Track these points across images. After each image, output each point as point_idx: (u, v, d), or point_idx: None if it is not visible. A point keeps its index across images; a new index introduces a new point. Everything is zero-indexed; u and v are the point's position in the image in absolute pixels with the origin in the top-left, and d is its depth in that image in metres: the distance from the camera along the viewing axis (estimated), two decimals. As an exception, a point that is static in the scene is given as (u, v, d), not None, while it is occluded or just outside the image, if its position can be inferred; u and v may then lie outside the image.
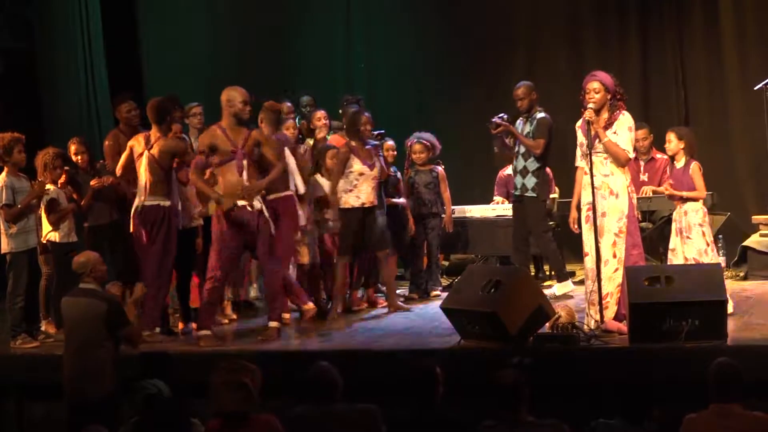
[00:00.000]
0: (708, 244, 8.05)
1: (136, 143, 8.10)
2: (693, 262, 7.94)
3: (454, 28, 12.23)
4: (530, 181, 9.10)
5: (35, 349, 7.83)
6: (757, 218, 10.26)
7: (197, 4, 12.98)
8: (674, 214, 8.25)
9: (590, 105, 7.34)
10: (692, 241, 8.04)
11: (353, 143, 8.76)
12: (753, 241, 9.93)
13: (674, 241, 8.17)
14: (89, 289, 6.69)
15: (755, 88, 9.77)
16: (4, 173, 7.95)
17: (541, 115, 9.11)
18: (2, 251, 7.96)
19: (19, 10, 11.95)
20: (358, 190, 8.70)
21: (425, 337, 7.68)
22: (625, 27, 11.75)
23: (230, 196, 7.64)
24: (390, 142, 9.49)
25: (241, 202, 7.66)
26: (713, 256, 8.07)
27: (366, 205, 8.72)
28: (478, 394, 5.42)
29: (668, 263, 8.20)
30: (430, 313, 8.68)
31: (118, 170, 8.16)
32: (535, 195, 9.11)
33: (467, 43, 12.14)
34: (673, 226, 8.22)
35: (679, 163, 8.22)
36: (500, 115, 9.12)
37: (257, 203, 7.77)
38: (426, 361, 5.56)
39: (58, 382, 6.80)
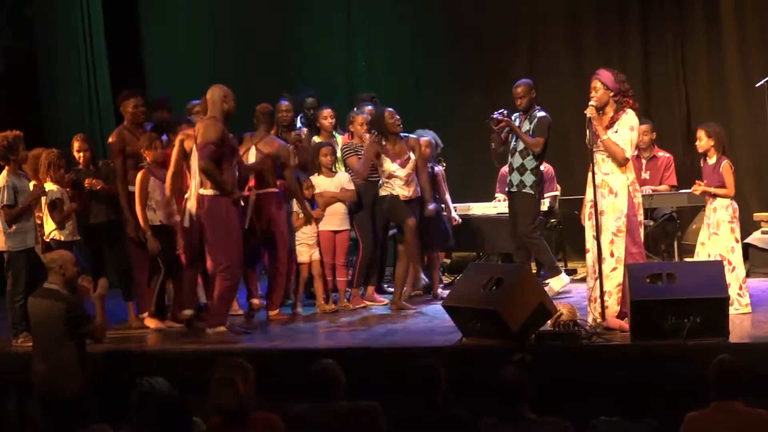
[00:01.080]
0: (737, 241, 8.00)
1: (187, 138, 8.10)
2: (719, 258, 7.90)
3: (455, 26, 12.23)
4: (528, 178, 9.03)
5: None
6: (758, 215, 10.25)
7: (198, 3, 12.98)
8: (706, 209, 8.19)
9: (591, 103, 7.36)
10: (719, 237, 7.98)
11: (383, 142, 8.94)
12: (754, 238, 9.92)
13: (704, 235, 8.11)
14: (51, 290, 6.70)
15: (756, 86, 9.76)
16: (5, 172, 7.94)
17: (541, 113, 9.07)
18: (0, 249, 7.97)
19: (20, 9, 11.94)
20: (392, 188, 8.92)
21: (426, 335, 7.67)
22: (627, 25, 11.74)
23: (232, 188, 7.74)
24: (424, 139, 9.47)
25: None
26: (740, 255, 8.00)
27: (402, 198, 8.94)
28: (479, 392, 5.42)
29: (695, 257, 8.16)
30: (431, 310, 8.68)
31: (172, 167, 8.16)
32: (532, 192, 9.05)
33: (468, 42, 12.13)
34: (705, 220, 8.16)
35: (711, 160, 8.11)
36: (500, 110, 9.09)
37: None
38: (428, 359, 5.55)
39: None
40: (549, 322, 7.08)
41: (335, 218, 9.07)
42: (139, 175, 8.22)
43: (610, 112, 7.35)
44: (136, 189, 8.18)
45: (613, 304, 7.21)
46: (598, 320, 7.20)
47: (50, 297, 6.68)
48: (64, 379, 6.59)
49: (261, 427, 5.11)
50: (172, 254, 8.29)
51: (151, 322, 8.35)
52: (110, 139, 8.54)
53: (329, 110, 9.66)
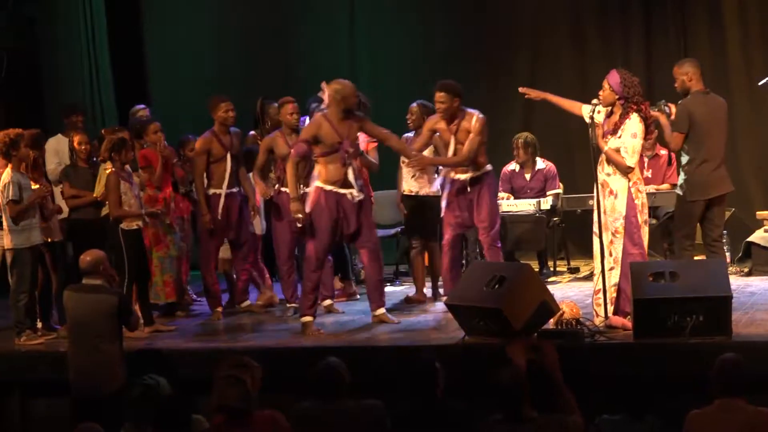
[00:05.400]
0: None
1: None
2: None
3: (458, 25, 12.22)
4: (681, 177, 8.10)
5: (39, 345, 7.84)
6: (761, 214, 10.25)
7: (201, 1, 12.98)
8: None
9: (593, 101, 7.35)
10: None
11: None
12: (757, 236, 9.92)
13: None
14: (96, 285, 6.80)
15: (759, 84, 9.75)
16: (9, 169, 7.97)
17: (686, 100, 8.12)
18: (6, 247, 7.99)
19: (22, 8, 11.93)
20: (403, 178, 9.05)
21: (429, 333, 7.68)
22: (629, 24, 11.72)
23: (332, 184, 7.87)
24: None
25: (342, 191, 7.89)
26: None
27: (405, 193, 9.06)
28: (482, 390, 5.42)
29: None
30: (435, 309, 8.67)
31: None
32: (680, 193, 8.11)
33: (471, 41, 12.13)
34: None
35: None
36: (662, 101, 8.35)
37: (357, 193, 7.94)
38: (425, 355, 5.57)
39: (62, 379, 6.83)
40: (551, 320, 7.08)
41: None
42: (109, 179, 8.12)
43: (617, 115, 7.31)
44: (108, 192, 8.11)
45: (607, 303, 7.19)
46: (597, 316, 7.21)
47: (98, 292, 6.77)
48: (110, 375, 6.64)
49: (265, 425, 5.12)
50: (142, 259, 8.28)
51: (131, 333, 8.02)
52: (198, 141, 8.82)
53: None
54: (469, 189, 8.29)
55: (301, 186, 8.24)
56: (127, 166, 8.28)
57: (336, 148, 7.86)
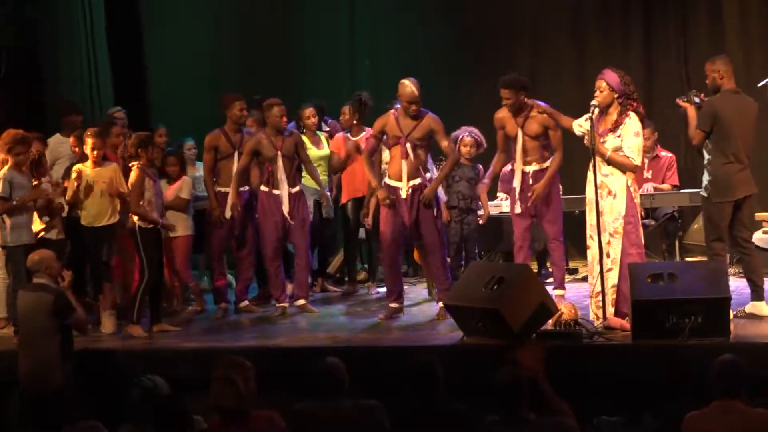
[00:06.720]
0: None
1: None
2: None
3: (458, 25, 12.23)
4: (705, 177, 7.81)
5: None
6: (760, 215, 10.22)
7: (200, 3, 12.98)
8: None
9: (592, 102, 7.34)
10: None
11: None
12: (756, 238, 9.88)
13: None
14: (40, 284, 6.90)
15: (759, 86, 9.74)
16: (6, 167, 8.00)
17: (713, 97, 7.88)
18: (0, 243, 8.04)
19: (21, 8, 11.92)
20: None
21: (428, 334, 7.68)
22: (629, 24, 11.75)
23: (392, 177, 8.31)
24: (468, 138, 9.51)
25: (395, 183, 8.24)
26: None
27: None
28: (481, 391, 5.42)
29: None
30: (434, 309, 8.67)
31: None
32: (705, 195, 7.81)
33: (471, 42, 12.14)
34: None
35: None
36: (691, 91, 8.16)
37: (406, 189, 8.20)
38: (426, 357, 5.56)
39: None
40: (550, 321, 7.08)
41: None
42: (134, 174, 8.11)
43: (613, 114, 7.30)
44: (132, 188, 8.10)
45: (607, 305, 7.19)
46: (599, 319, 7.21)
47: (38, 290, 6.86)
48: (47, 374, 6.68)
49: (262, 425, 5.12)
50: (158, 258, 8.26)
51: (134, 330, 8.10)
52: (206, 138, 8.91)
53: (311, 109, 9.64)
54: (531, 182, 8.28)
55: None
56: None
57: (395, 141, 8.19)
